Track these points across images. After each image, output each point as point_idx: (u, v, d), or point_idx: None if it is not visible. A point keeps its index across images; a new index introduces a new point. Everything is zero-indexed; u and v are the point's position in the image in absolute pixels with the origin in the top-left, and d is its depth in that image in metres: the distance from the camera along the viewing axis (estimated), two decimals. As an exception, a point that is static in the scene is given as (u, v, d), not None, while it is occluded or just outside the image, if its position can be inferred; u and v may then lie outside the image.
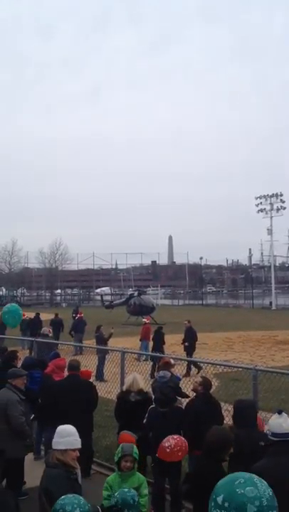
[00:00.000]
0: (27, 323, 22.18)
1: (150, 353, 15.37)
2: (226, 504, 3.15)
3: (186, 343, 17.23)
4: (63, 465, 4.10)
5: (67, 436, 4.20)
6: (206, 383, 6.60)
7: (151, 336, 17.94)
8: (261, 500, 3.17)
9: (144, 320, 21.15)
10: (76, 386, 7.35)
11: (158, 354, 12.66)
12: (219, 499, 3.19)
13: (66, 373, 8.08)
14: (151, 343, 17.88)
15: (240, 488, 3.17)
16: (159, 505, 6.23)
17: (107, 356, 13.59)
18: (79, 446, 4.22)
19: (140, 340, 19.01)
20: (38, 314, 24.63)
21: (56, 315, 25.20)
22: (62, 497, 3.51)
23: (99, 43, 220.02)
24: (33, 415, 7.50)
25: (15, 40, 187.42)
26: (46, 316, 26.10)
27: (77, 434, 4.29)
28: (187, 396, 7.45)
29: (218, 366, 8.71)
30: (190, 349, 16.99)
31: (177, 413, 6.29)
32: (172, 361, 7.79)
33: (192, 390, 6.86)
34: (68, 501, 3.44)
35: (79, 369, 7.85)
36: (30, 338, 17.14)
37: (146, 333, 19.04)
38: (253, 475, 3.26)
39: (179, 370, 10.22)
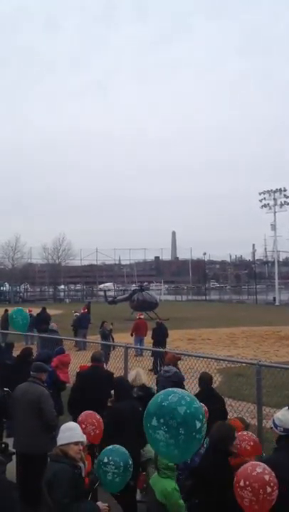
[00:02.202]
0: (33, 318, 22.24)
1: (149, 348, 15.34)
2: (161, 421, 3.56)
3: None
4: (67, 458, 4.11)
5: (67, 431, 4.24)
6: (206, 378, 6.59)
7: (148, 332, 17.88)
8: (186, 399, 3.50)
9: (137, 315, 21.06)
10: (99, 376, 7.51)
11: (162, 349, 12.62)
12: (154, 421, 3.61)
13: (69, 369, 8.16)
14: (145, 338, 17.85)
15: (164, 401, 3.60)
16: None
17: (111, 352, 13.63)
18: (80, 439, 4.25)
19: (132, 335, 18.86)
20: (44, 309, 24.71)
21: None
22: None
23: (105, 37, 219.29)
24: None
25: (21, 34, 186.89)
26: (50, 312, 26.12)
27: (78, 428, 4.34)
28: None
29: (221, 361, 8.70)
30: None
31: None
32: (177, 355, 7.78)
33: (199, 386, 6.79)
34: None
35: (101, 361, 8.12)
36: (35, 334, 17.23)
37: (140, 328, 18.98)
38: (169, 389, 3.79)
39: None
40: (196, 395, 6.42)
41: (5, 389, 6.92)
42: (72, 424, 4.45)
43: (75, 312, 24.05)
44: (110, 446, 4.47)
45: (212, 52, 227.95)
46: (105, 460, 4.32)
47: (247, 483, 3.56)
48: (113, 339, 17.11)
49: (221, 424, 4.68)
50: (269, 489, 3.53)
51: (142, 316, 20.79)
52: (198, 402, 3.73)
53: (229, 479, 3.98)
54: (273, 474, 3.62)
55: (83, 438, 4.31)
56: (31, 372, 6.44)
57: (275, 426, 4.11)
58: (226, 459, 4.32)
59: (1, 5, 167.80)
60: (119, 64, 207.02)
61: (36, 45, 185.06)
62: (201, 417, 3.56)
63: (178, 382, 7.16)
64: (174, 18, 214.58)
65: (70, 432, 4.23)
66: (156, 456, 4.39)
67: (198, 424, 3.52)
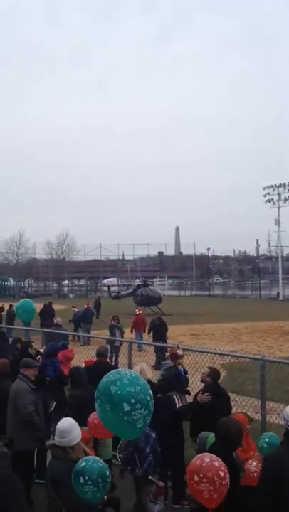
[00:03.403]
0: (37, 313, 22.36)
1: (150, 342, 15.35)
2: (97, 394, 3.88)
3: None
4: (69, 456, 4.18)
5: (67, 435, 4.30)
6: (214, 374, 6.61)
7: (148, 327, 17.90)
8: (122, 381, 3.63)
9: (136, 311, 20.97)
10: (104, 371, 7.49)
11: (165, 344, 12.66)
12: (96, 393, 3.84)
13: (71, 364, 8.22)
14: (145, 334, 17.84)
15: (106, 378, 3.86)
16: (162, 495, 6.31)
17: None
18: (78, 439, 4.35)
19: (132, 331, 18.86)
20: (50, 303, 24.82)
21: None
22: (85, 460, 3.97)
23: (107, 32, 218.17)
24: (54, 403, 7.53)
25: (21, 31, 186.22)
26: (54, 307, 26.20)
27: (75, 429, 4.37)
28: (186, 393, 7.43)
29: (225, 356, 8.73)
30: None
31: (165, 403, 6.26)
32: (180, 352, 7.79)
33: (201, 381, 6.85)
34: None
35: (106, 355, 8.21)
36: (38, 329, 17.29)
37: (138, 323, 19.00)
38: (120, 370, 4.14)
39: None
40: (203, 390, 6.49)
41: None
42: (68, 426, 4.38)
43: (74, 307, 24.06)
44: (83, 463, 4.01)
45: (213, 49, 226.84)
46: (81, 481, 3.92)
47: (201, 475, 3.63)
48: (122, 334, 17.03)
49: (231, 420, 4.60)
50: (222, 473, 3.65)
51: (140, 312, 20.73)
52: (141, 387, 3.79)
53: (233, 476, 4.00)
54: (219, 459, 3.76)
55: (80, 436, 4.37)
56: (20, 369, 6.52)
57: (285, 420, 4.13)
58: (230, 456, 4.29)
59: (1, 1, 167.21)
60: (120, 61, 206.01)
61: (36, 42, 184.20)
62: (132, 401, 3.64)
63: (167, 376, 7.15)
64: (175, 15, 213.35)
65: (70, 438, 4.29)
66: None
67: (126, 407, 3.63)
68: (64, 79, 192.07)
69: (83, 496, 4.04)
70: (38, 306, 24.09)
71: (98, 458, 4.25)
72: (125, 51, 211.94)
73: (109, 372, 3.98)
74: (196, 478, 3.65)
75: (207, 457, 3.78)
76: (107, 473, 4.00)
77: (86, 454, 4.35)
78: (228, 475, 3.70)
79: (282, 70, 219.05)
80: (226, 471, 3.70)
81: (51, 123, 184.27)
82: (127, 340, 9.30)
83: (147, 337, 18.08)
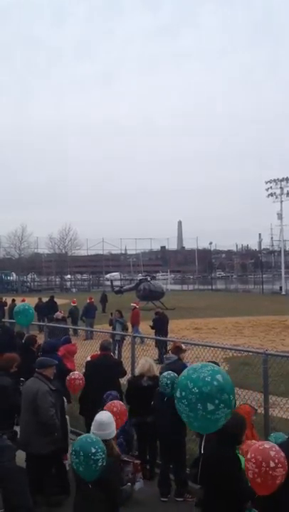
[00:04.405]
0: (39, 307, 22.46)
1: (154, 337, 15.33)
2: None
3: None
4: (112, 451, 4.28)
5: (107, 428, 4.38)
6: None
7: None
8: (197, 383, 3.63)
9: (132, 304, 20.83)
10: (108, 364, 7.64)
11: (170, 339, 12.65)
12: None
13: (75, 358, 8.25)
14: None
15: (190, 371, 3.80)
16: (165, 489, 6.34)
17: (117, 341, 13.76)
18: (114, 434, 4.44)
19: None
20: (52, 297, 24.88)
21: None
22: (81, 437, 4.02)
23: (111, 27, 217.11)
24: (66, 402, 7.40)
25: (28, 24, 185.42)
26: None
27: (113, 423, 4.44)
28: None
29: (228, 350, 8.72)
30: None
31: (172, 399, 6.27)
32: (183, 346, 7.79)
33: None
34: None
35: (110, 349, 8.28)
36: (41, 323, 17.30)
37: (133, 317, 18.94)
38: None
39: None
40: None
41: (21, 379, 6.94)
42: (108, 418, 4.43)
43: (72, 302, 24.05)
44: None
45: (220, 41, 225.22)
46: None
47: (252, 455, 3.68)
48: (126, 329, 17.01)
49: (234, 414, 4.57)
50: (272, 464, 3.60)
51: (136, 306, 20.57)
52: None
53: (236, 470, 4.00)
54: (282, 454, 3.67)
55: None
56: (36, 369, 6.29)
57: None
58: (233, 449, 4.28)
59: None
60: (125, 54, 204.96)
61: (42, 35, 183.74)
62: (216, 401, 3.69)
63: (176, 371, 7.16)
64: (181, 7, 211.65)
65: (110, 431, 4.36)
66: None
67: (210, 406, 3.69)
68: (67, 72, 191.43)
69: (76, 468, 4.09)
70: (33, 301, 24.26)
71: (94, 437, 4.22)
72: (131, 44, 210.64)
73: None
74: (248, 455, 3.75)
75: (268, 444, 3.82)
76: (92, 450, 3.93)
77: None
78: (281, 470, 3.61)
79: (286, 63, 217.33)
80: (280, 465, 3.61)
81: (54, 116, 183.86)
82: (130, 334, 9.30)
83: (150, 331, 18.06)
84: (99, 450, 3.92)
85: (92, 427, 4.44)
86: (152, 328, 16.26)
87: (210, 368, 3.88)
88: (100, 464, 3.89)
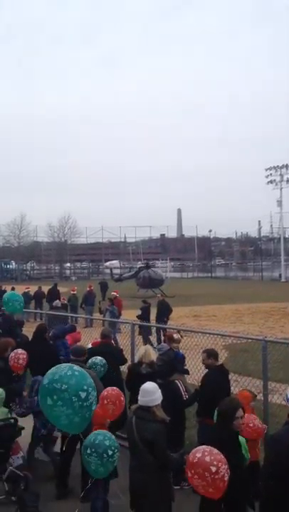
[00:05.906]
0: (29, 296, 22.50)
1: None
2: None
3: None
4: (155, 416, 4.51)
5: (151, 395, 4.60)
6: (213, 354, 6.56)
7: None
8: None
9: (112, 293, 20.51)
10: (109, 352, 7.68)
11: (167, 326, 12.70)
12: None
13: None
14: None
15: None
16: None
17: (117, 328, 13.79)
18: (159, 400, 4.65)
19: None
20: (55, 285, 24.96)
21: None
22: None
23: (114, 10, 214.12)
24: None
25: (29, 7, 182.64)
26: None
27: (158, 391, 4.68)
28: (185, 372, 7.48)
29: (227, 338, 8.75)
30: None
31: (170, 389, 6.31)
32: (176, 336, 7.75)
33: (205, 366, 6.70)
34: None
35: (110, 337, 8.44)
36: (39, 311, 17.37)
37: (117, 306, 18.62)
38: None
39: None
40: (210, 371, 6.48)
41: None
42: (152, 387, 4.66)
43: (72, 290, 24.06)
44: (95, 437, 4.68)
45: (225, 23, 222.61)
46: (88, 452, 4.60)
47: (193, 471, 3.59)
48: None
49: (231, 399, 4.72)
50: (214, 468, 3.54)
51: (116, 294, 20.28)
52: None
53: (236, 456, 4.01)
54: (215, 451, 3.61)
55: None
56: (72, 357, 6.61)
57: (287, 400, 4.16)
58: (232, 436, 4.28)
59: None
60: (129, 37, 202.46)
61: (45, 20, 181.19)
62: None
63: (167, 361, 7.18)
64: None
65: (152, 398, 4.59)
66: None
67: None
68: (69, 57, 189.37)
69: (87, 466, 4.60)
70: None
71: (110, 434, 4.72)
72: (133, 27, 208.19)
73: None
74: (189, 474, 3.63)
75: (199, 452, 3.68)
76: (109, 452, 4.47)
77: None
78: (223, 467, 3.57)
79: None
80: (220, 464, 3.57)
81: (52, 104, 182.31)
82: (130, 321, 9.32)
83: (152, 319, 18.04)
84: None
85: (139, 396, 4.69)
86: (138, 317, 15.85)
87: (64, 365, 4.39)
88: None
